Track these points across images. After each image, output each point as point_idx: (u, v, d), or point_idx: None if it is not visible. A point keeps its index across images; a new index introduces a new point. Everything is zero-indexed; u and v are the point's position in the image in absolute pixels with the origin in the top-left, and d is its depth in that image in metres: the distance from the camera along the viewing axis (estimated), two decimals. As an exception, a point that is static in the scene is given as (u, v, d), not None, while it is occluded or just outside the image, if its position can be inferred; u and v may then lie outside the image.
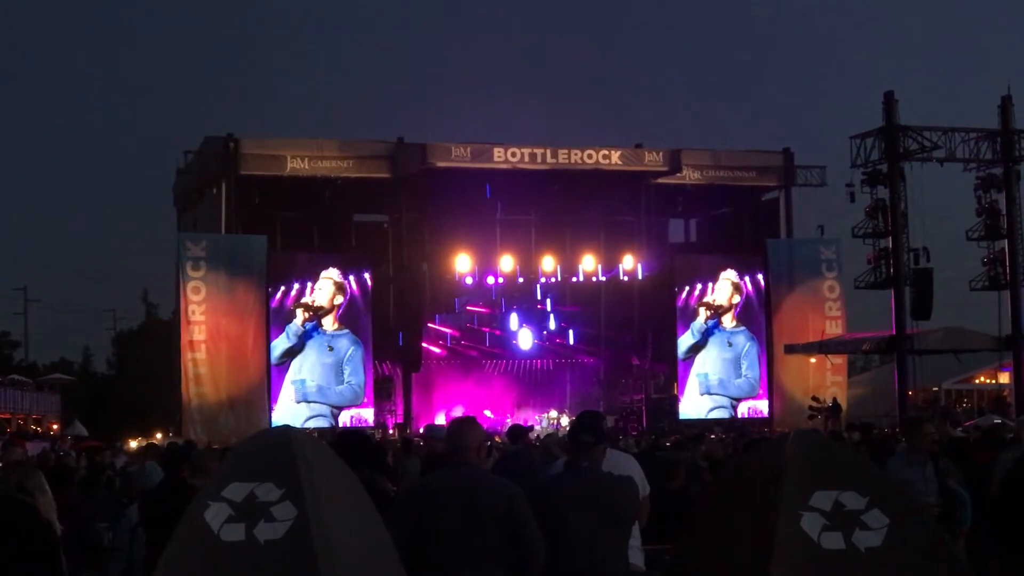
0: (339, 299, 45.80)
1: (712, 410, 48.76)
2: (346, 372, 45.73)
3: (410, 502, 7.33)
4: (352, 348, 45.75)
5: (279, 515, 5.02)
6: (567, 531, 7.50)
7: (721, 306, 49.41)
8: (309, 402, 45.26)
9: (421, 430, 38.29)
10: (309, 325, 45.35)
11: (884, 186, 43.55)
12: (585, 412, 8.61)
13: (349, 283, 46.01)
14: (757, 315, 49.73)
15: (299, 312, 45.29)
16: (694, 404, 48.86)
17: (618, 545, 7.63)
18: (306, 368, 45.34)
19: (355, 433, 11.15)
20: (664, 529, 9.28)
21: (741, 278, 49.66)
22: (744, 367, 49.37)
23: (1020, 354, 44.57)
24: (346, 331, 45.85)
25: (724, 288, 49.57)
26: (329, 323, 45.80)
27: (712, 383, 49.04)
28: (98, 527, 12.80)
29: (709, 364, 49.15)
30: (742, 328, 49.55)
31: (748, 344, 49.44)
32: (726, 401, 49.13)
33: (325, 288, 45.67)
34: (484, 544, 7.06)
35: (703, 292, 49.29)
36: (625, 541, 7.69)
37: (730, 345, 49.44)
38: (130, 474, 18.69)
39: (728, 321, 49.50)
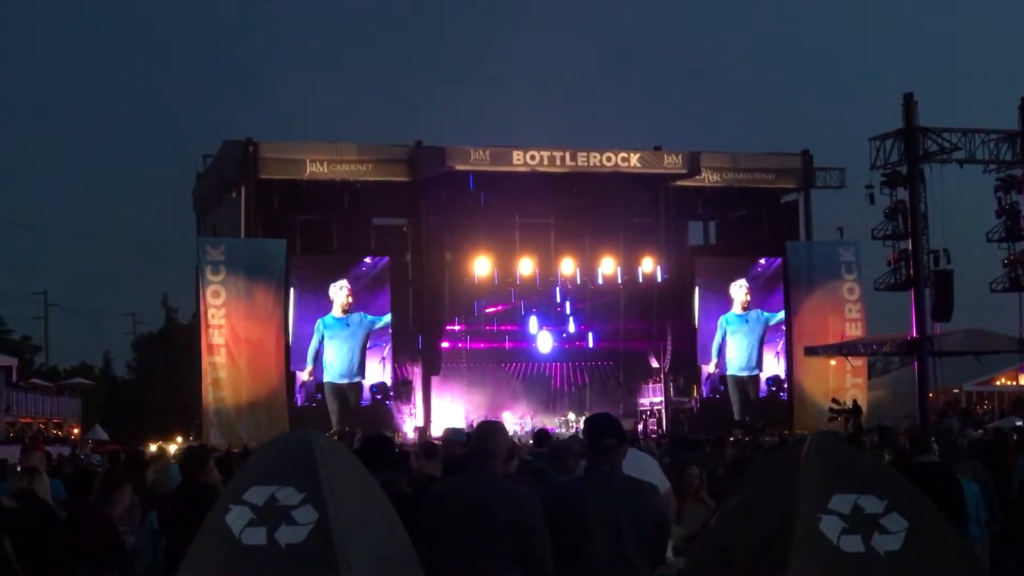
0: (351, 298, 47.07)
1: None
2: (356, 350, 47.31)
3: (429, 507, 7.34)
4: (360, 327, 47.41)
5: (300, 518, 5.04)
6: (588, 535, 7.48)
7: (741, 303, 50.48)
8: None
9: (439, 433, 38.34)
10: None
11: (904, 188, 43.41)
12: (602, 415, 8.54)
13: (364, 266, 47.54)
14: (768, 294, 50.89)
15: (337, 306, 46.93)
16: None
17: (640, 549, 7.59)
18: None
19: (377, 437, 11.16)
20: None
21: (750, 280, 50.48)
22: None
23: (1041, 356, 44.44)
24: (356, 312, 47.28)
25: (739, 292, 50.33)
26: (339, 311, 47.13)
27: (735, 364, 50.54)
28: (122, 529, 12.81)
29: (733, 348, 50.53)
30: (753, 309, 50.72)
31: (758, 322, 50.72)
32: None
33: (342, 290, 46.78)
34: (499, 550, 7.07)
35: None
36: (647, 546, 7.64)
37: (746, 322, 50.77)
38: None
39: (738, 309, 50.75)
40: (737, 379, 50.24)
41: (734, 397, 49.87)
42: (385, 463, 8.55)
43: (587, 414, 47.52)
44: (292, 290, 46.38)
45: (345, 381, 46.88)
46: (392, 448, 10.50)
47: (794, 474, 4.86)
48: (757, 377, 50.40)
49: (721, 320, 50.37)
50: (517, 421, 47.67)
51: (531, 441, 25.38)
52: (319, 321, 46.80)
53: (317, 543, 4.99)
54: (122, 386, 78.77)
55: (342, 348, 46.95)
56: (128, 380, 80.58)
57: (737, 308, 50.49)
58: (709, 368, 50.20)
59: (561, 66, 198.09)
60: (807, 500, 4.76)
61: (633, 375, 52.01)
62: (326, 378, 46.71)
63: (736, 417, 48.74)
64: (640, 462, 9.81)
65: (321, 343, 46.78)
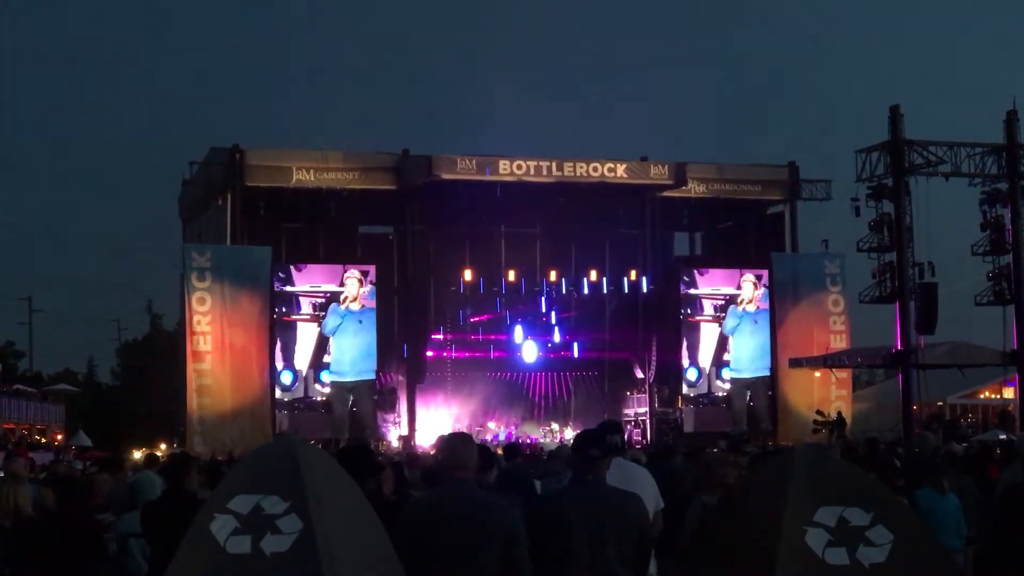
0: (363, 289, 46.68)
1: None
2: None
3: (410, 518, 7.35)
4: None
5: (285, 528, 5.03)
6: (572, 545, 7.49)
7: (745, 299, 50.05)
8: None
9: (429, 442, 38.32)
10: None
11: (889, 200, 43.49)
12: (604, 422, 8.55)
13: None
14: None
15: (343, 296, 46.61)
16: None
17: (625, 560, 7.61)
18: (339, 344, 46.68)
19: (358, 446, 11.17)
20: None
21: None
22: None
23: (1025, 369, 44.51)
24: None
25: (748, 287, 50.07)
26: (356, 306, 46.60)
27: (742, 363, 49.94)
28: (104, 536, 12.77)
29: (739, 348, 49.97)
30: (763, 311, 50.24)
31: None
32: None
33: (351, 284, 46.51)
34: (481, 560, 7.09)
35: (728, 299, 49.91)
36: (630, 555, 7.66)
37: (756, 323, 50.17)
38: (133, 485, 18.62)
39: (751, 307, 50.14)
40: (745, 383, 49.98)
41: (738, 401, 49.64)
42: (368, 472, 8.57)
43: (571, 424, 47.84)
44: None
45: (352, 379, 46.49)
46: (373, 457, 10.52)
47: (781, 486, 4.87)
48: (766, 379, 50.11)
49: (731, 314, 49.86)
50: (497, 431, 47.77)
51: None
52: (333, 312, 46.40)
53: (302, 552, 4.97)
54: (106, 392, 78.49)
55: (353, 341, 46.52)
56: (112, 386, 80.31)
57: (747, 306, 50.09)
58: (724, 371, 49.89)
59: (548, 75, 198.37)
60: (793, 512, 4.77)
61: (618, 385, 51.98)
62: (331, 377, 46.47)
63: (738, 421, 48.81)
64: (633, 474, 9.75)
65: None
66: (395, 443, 45.27)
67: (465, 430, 39.32)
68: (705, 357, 49.79)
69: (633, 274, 48.88)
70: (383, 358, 47.35)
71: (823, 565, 4.72)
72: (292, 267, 46.70)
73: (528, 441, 43.15)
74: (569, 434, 44.61)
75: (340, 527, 5.18)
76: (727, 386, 49.73)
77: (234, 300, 44.68)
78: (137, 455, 37.28)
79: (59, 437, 55.27)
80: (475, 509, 7.26)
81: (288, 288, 46.24)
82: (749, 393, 49.79)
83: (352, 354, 46.51)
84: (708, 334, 49.92)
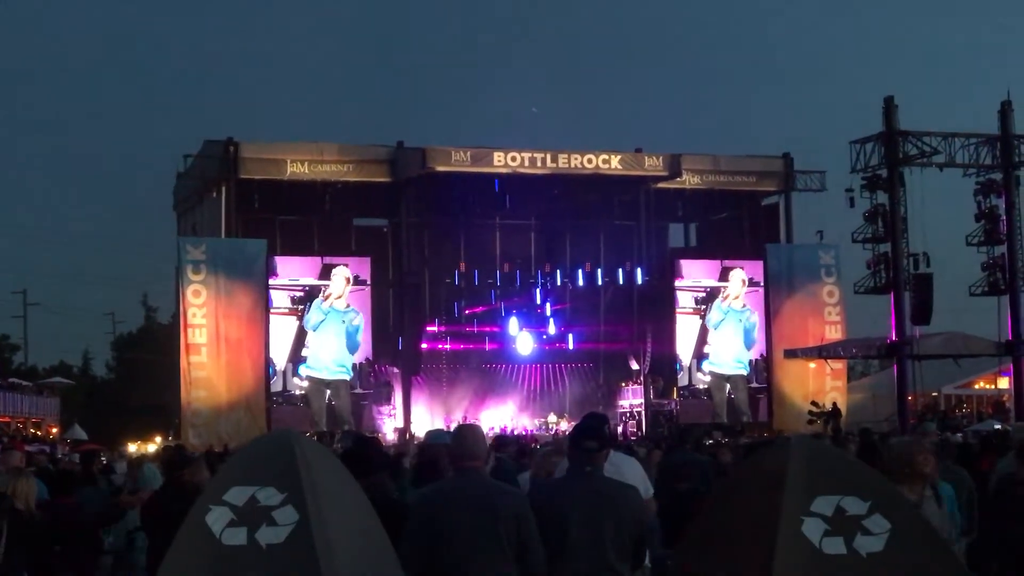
0: (349, 288, 46.43)
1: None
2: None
3: (424, 507, 7.38)
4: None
5: (281, 519, 5.02)
6: (569, 536, 7.49)
7: (731, 294, 49.99)
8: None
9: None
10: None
11: (884, 191, 43.57)
12: (590, 415, 8.54)
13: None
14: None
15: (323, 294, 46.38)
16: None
17: (621, 551, 7.61)
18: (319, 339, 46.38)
19: (368, 440, 11.13)
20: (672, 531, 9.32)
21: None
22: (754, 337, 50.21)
23: (1020, 359, 44.63)
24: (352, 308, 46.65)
25: (736, 283, 50.04)
26: (342, 303, 46.34)
27: (724, 357, 49.87)
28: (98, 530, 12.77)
29: (722, 342, 49.91)
30: (748, 308, 50.25)
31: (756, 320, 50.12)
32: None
33: (338, 281, 46.25)
34: (496, 549, 7.12)
35: (711, 292, 49.75)
36: (627, 548, 7.67)
37: (740, 320, 50.13)
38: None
39: (738, 304, 50.04)
40: (725, 376, 50.03)
41: (718, 395, 49.65)
42: (375, 465, 8.56)
43: (567, 416, 47.84)
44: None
45: (329, 376, 46.40)
46: (381, 450, 10.50)
47: (777, 475, 4.86)
48: (745, 376, 50.16)
49: (715, 307, 49.85)
50: (496, 422, 47.70)
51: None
52: (316, 307, 46.19)
53: (297, 544, 4.96)
54: (101, 386, 78.56)
55: (335, 340, 46.36)
56: (107, 380, 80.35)
57: (734, 301, 50.09)
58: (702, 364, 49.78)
59: (543, 68, 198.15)
60: (790, 502, 4.76)
61: (613, 377, 52.02)
62: (308, 371, 46.40)
63: (724, 416, 48.81)
64: (622, 465, 9.78)
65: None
66: (390, 435, 45.30)
67: (460, 422, 39.34)
68: (685, 349, 49.74)
69: (628, 265, 48.92)
70: (377, 350, 47.33)
71: (820, 555, 4.72)
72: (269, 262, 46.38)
73: (524, 432, 43.13)
74: (565, 426, 44.63)
75: (336, 519, 5.17)
76: (707, 379, 49.72)
77: (229, 292, 44.66)
78: (132, 448, 37.36)
79: (54, 430, 55.23)
80: (488, 496, 7.33)
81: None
82: (728, 386, 49.83)
83: (330, 353, 46.37)
84: (687, 326, 49.88)
